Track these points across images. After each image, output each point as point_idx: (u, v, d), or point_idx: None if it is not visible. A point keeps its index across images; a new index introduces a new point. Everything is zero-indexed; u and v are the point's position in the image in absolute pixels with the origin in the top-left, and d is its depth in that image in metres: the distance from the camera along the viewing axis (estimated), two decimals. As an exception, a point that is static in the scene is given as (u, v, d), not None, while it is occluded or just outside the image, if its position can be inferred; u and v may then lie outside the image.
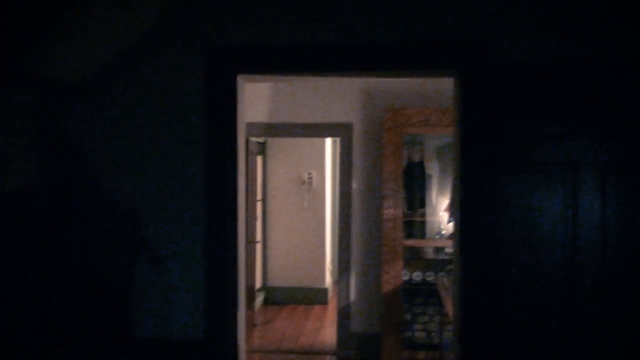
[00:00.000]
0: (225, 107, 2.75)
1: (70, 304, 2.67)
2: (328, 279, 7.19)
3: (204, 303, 2.73)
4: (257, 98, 5.03)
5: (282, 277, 7.05)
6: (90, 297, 2.68)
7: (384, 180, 4.58)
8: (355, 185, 5.00)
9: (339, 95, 4.99)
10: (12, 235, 2.51)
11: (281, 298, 6.98)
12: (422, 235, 5.33)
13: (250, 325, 5.55)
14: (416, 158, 5.30)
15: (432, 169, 5.38)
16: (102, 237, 2.69)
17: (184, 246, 2.72)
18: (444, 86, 2.98)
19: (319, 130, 5.12)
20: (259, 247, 6.61)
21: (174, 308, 2.72)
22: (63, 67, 2.58)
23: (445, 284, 4.39)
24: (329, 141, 7.18)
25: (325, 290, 7.03)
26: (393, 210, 4.60)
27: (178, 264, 2.72)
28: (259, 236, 6.60)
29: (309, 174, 6.97)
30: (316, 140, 6.94)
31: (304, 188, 6.99)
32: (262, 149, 6.85)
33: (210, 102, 2.72)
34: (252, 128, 5.03)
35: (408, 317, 5.04)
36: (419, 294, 5.09)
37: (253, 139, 5.61)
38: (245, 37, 2.70)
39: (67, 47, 2.49)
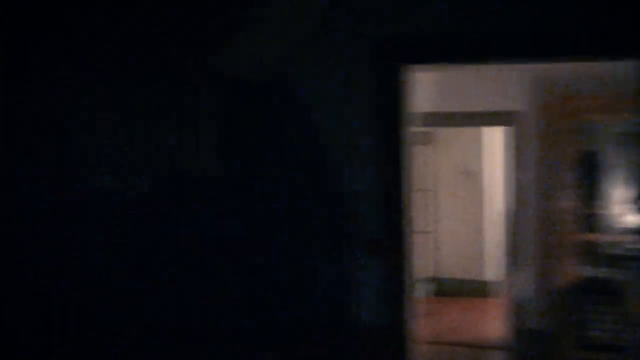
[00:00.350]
0: (391, 97, 2.77)
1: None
2: (493, 272, 6.99)
3: (376, 292, 2.76)
4: (421, 87, 5.01)
5: (451, 269, 6.97)
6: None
7: (554, 170, 4.37)
8: (523, 175, 4.80)
9: (504, 82, 4.82)
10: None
11: (450, 289, 6.91)
12: (597, 229, 5.00)
13: (418, 315, 5.57)
14: (589, 147, 4.97)
15: (607, 158, 5.01)
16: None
17: (357, 238, 2.78)
18: (618, 70, 2.76)
19: (484, 119, 4.99)
20: (429, 238, 6.60)
21: (348, 296, 2.78)
22: (242, 63, 2.77)
23: (630, 281, 4.09)
24: (495, 130, 6.96)
25: (490, 284, 6.85)
26: (564, 202, 4.37)
27: (350, 254, 2.79)
28: (429, 227, 6.59)
29: (474, 164, 6.82)
30: (482, 129, 6.77)
31: (468, 178, 6.85)
32: (429, 138, 6.81)
33: (376, 92, 2.75)
34: (417, 118, 5.02)
35: (583, 315, 4.76)
36: (594, 291, 4.78)
37: (419, 129, 5.61)
38: (411, 26, 2.69)
39: (247, 44, 2.67)
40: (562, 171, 4.37)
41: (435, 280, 6.97)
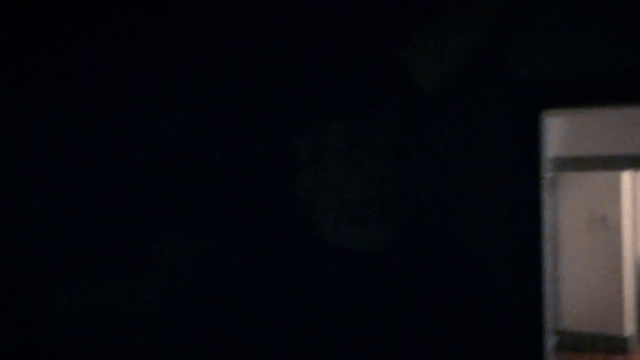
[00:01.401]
0: (527, 144, 2.69)
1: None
2: (630, 327, 6.52)
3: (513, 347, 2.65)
4: (550, 131, 4.85)
5: (577, 321, 6.58)
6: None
7: None
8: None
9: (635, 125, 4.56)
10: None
11: (576, 344, 6.51)
12: None
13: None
14: None
15: None
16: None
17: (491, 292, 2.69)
18: None
19: (617, 163, 4.73)
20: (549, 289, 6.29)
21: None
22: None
23: None
24: (625, 175, 6.59)
25: (625, 340, 6.39)
26: None
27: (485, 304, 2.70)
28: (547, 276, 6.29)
29: (604, 211, 6.46)
30: (610, 174, 6.42)
31: (597, 226, 6.49)
32: (551, 184, 6.56)
33: (511, 138, 2.68)
34: (547, 163, 4.86)
35: None
36: None
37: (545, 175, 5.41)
38: (549, 70, 2.60)
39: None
40: None
41: (564, 332, 6.58)
